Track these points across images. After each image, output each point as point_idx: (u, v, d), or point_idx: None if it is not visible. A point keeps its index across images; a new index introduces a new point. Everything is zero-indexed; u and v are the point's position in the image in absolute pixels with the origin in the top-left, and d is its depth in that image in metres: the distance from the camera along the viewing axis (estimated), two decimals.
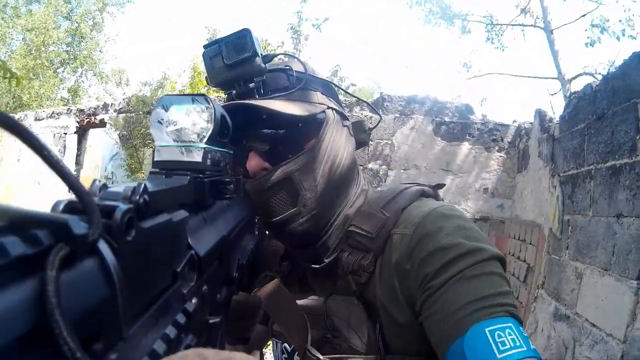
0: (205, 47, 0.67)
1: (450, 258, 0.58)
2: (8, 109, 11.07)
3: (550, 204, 3.03)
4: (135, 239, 0.25)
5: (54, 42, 13.24)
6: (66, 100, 12.97)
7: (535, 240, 3.42)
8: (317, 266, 0.72)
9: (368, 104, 0.99)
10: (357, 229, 0.69)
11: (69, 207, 0.23)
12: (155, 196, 0.29)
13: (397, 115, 4.51)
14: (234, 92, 0.67)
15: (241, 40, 0.64)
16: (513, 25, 9.38)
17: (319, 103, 0.70)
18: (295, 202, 0.67)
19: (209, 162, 0.46)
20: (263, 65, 0.66)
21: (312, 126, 0.69)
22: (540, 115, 3.63)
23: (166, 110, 0.47)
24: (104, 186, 0.27)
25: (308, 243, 0.71)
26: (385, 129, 4.52)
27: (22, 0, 14.23)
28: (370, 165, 4.53)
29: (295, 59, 0.73)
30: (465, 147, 4.39)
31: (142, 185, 0.27)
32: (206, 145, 0.45)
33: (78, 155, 6.76)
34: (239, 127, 0.53)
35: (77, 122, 6.62)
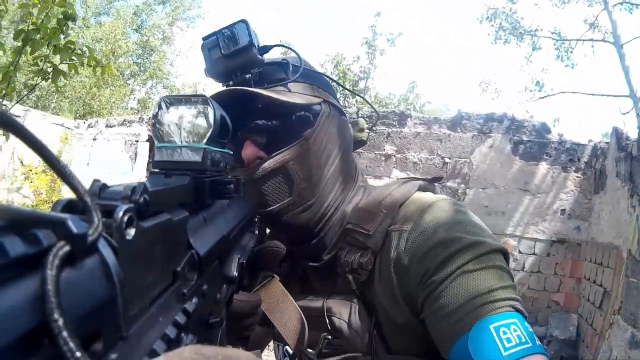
0: (204, 38, 0.68)
1: (450, 253, 0.57)
2: (78, 115, 11.36)
3: (630, 225, 2.95)
4: (136, 238, 0.25)
5: (123, 53, 13.70)
6: (136, 111, 13.24)
7: (612, 263, 3.34)
8: (316, 264, 0.72)
9: (366, 100, 1.01)
10: (354, 226, 0.68)
11: (69, 207, 0.23)
12: (156, 196, 0.29)
13: (475, 133, 4.48)
14: (231, 83, 0.67)
15: (238, 30, 0.64)
16: (583, 40, 9.05)
17: (315, 95, 0.70)
18: (290, 192, 0.67)
19: (209, 162, 0.46)
20: (259, 56, 0.66)
21: (307, 118, 0.69)
22: (617, 133, 3.53)
23: (166, 111, 0.47)
24: (104, 186, 0.27)
25: (305, 237, 0.71)
26: (464, 147, 4.49)
27: (91, 12, 14.70)
28: (448, 184, 4.48)
29: (293, 52, 0.73)
30: (543, 167, 4.31)
31: (142, 185, 0.27)
32: (206, 146, 0.45)
33: (149, 163, 6.84)
34: (234, 118, 0.53)
35: (149, 130, 6.67)
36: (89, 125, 7.53)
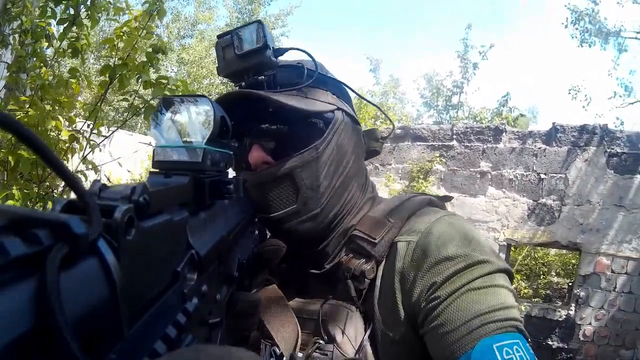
0: (219, 37, 0.67)
1: (457, 269, 0.57)
2: None
3: None
4: (136, 238, 0.25)
5: (210, 74, 13.80)
6: None
7: None
8: (317, 271, 0.71)
9: (382, 110, 1.00)
10: (360, 233, 0.67)
11: (69, 207, 0.23)
12: (156, 196, 0.29)
13: (570, 147, 4.35)
14: (243, 83, 0.66)
15: (254, 31, 0.64)
16: None
17: (328, 102, 0.69)
18: (295, 200, 0.66)
19: (208, 162, 0.46)
20: (274, 58, 0.65)
21: (319, 125, 0.68)
22: None
23: (166, 111, 0.47)
24: (104, 186, 0.27)
25: (308, 244, 0.70)
26: (559, 162, 4.38)
27: (174, 36, 15.03)
28: (543, 201, 4.37)
29: (308, 56, 0.71)
30: (638, 180, 4.14)
31: (142, 185, 0.27)
32: (206, 146, 0.45)
33: None
34: (243, 120, 0.52)
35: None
36: None
